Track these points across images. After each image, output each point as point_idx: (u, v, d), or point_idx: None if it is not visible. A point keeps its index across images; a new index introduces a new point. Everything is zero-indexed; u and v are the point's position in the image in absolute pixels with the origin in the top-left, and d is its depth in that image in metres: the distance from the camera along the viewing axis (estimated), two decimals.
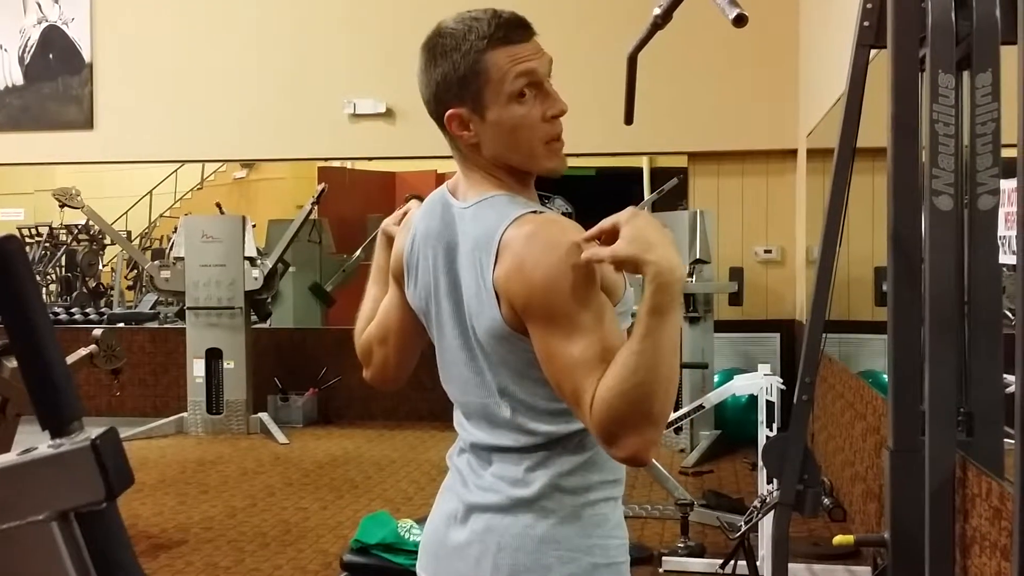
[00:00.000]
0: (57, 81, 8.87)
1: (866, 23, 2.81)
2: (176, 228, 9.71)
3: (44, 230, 12.70)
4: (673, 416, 5.28)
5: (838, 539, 2.90)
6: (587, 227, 1.39)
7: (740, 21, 1.50)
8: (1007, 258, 2.67)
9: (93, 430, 0.87)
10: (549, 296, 1.36)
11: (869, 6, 2.80)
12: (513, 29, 1.45)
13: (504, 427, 1.51)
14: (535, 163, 1.50)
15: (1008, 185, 2.61)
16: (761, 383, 4.39)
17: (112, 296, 12.19)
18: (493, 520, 1.49)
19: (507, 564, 1.46)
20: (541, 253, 1.38)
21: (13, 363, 4.01)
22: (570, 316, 1.35)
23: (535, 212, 1.44)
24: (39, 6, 8.91)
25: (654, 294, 1.29)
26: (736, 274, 7.37)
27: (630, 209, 1.36)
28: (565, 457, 1.48)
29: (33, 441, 0.95)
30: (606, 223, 1.35)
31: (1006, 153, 2.59)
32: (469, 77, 1.43)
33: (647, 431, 1.30)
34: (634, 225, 1.32)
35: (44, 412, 0.88)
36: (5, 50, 9.00)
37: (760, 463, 4.01)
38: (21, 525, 0.85)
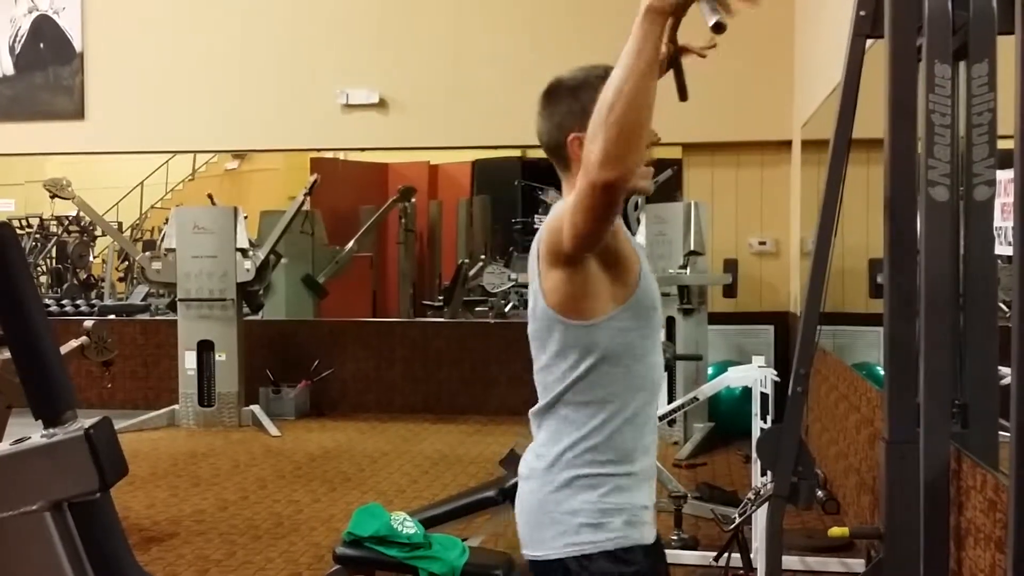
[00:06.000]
0: (48, 71, 8.83)
1: (862, 12, 2.80)
2: (167, 219, 9.66)
3: (35, 221, 12.64)
4: (667, 408, 5.27)
5: (833, 531, 2.90)
6: None
7: (718, 29, 1.49)
8: (1003, 249, 2.66)
9: (87, 420, 0.86)
10: (554, 233, 1.72)
11: None
12: None
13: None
14: None
15: (1004, 176, 2.60)
16: (755, 375, 4.38)
17: (103, 288, 12.14)
18: (521, 486, 1.88)
19: (523, 523, 1.86)
20: (552, 216, 1.77)
21: (6, 354, 3.98)
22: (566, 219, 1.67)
23: None
24: None
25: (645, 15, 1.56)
26: (730, 266, 7.37)
27: None
28: (571, 433, 1.79)
29: (27, 433, 0.93)
30: None
31: (1002, 144, 2.59)
32: (589, 108, 1.67)
33: (609, 139, 1.53)
34: None
35: (37, 401, 0.86)
36: None
37: (754, 455, 4.01)
38: (14, 515, 0.84)
